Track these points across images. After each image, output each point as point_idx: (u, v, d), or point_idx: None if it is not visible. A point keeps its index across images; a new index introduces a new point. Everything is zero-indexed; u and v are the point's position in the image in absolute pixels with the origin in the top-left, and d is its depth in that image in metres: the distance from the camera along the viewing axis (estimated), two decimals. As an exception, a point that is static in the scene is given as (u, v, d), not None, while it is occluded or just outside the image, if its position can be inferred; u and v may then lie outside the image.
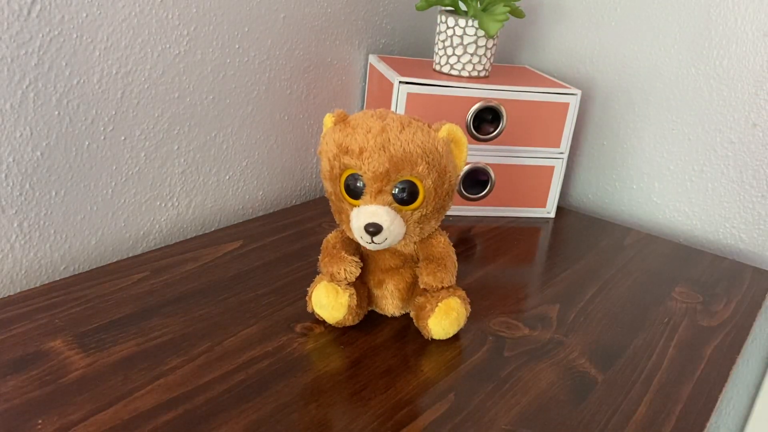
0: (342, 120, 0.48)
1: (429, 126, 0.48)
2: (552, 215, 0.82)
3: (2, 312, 0.50)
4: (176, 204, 0.69)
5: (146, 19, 0.59)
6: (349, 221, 0.48)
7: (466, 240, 0.73)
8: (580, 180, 0.91)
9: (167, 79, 0.62)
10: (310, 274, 0.61)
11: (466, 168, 0.76)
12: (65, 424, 0.40)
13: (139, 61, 0.59)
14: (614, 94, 0.85)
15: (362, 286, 0.53)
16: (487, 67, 0.76)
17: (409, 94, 0.71)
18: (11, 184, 0.54)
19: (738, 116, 0.76)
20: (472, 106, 0.73)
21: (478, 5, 0.73)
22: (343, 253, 0.50)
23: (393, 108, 0.72)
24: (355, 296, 0.50)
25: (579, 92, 0.76)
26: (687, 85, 0.79)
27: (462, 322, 0.52)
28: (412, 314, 0.54)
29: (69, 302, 0.53)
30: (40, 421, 0.40)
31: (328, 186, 0.49)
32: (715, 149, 0.79)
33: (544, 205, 0.82)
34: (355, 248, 0.52)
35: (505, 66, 0.86)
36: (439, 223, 0.51)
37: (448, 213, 0.78)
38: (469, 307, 0.52)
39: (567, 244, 0.75)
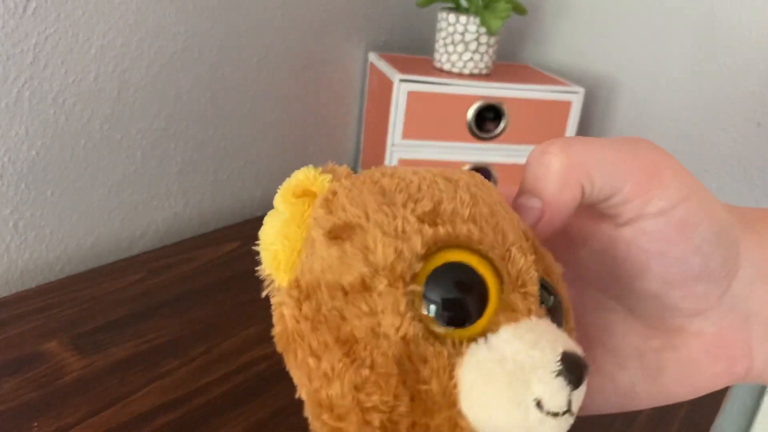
0: (350, 174, 0.22)
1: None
2: (553, 215, 0.81)
3: (-3, 313, 0.50)
4: (173, 204, 0.68)
5: (143, 17, 0.58)
6: (442, 396, 0.17)
7: (467, 240, 0.73)
8: (582, 179, 0.90)
9: (164, 78, 0.62)
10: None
11: (466, 168, 0.76)
12: (61, 426, 0.39)
13: (135, 59, 0.59)
14: (618, 92, 0.85)
15: None
16: (488, 65, 0.76)
17: (409, 93, 0.71)
18: (6, 183, 0.53)
19: (743, 115, 0.76)
20: (473, 104, 0.73)
21: (480, 2, 0.73)
22: None
23: (393, 107, 0.71)
24: None
25: (582, 90, 0.75)
26: (691, 83, 0.78)
27: None
28: None
29: (65, 303, 0.52)
30: (35, 424, 0.39)
31: (360, 311, 0.18)
32: (719, 149, 0.78)
33: (545, 205, 0.81)
34: None
35: (507, 64, 0.86)
36: None
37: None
38: None
39: (569, 244, 0.74)
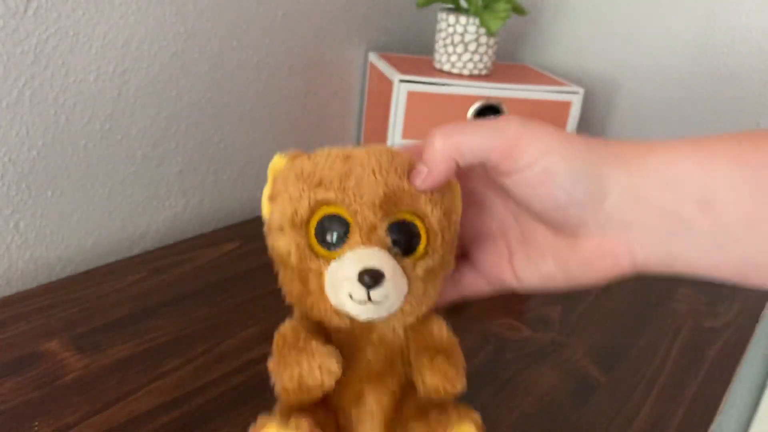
0: (296, 157, 0.33)
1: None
2: (553, 215, 0.82)
3: (-2, 313, 0.50)
4: (174, 204, 0.68)
5: (143, 17, 0.58)
6: (318, 290, 0.31)
7: (467, 240, 0.73)
8: (582, 179, 0.91)
9: (164, 78, 0.62)
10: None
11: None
12: (61, 426, 0.39)
13: (135, 60, 0.59)
14: (617, 92, 0.85)
15: (328, 417, 0.34)
16: (488, 65, 0.76)
17: (409, 93, 0.71)
18: (7, 183, 0.53)
19: (742, 116, 0.76)
20: (473, 104, 0.73)
21: (480, 2, 0.73)
22: (313, 343, 0.32)
23: (393, 107, 0.71)
24: None
25: (581, 91, 0.75)
26: (691, 84, 0.78)
27: None
28: None
29: (65, 303, 0.52)
30: (36, 423, 0.39)
31: (280, 243, 0.32)
32: (717, 148, 0.78)
33: (545, 205, 0.81)
34: (326, 339, 0.33)
35: (506, 64, 0.86)
36: (437, 297, 0.35)
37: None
38: None
39: (568, 244, 0.74)
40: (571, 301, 0.61)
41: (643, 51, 0.81)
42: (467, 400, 0.45)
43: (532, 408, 0.46)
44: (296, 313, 0.34)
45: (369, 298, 0.30)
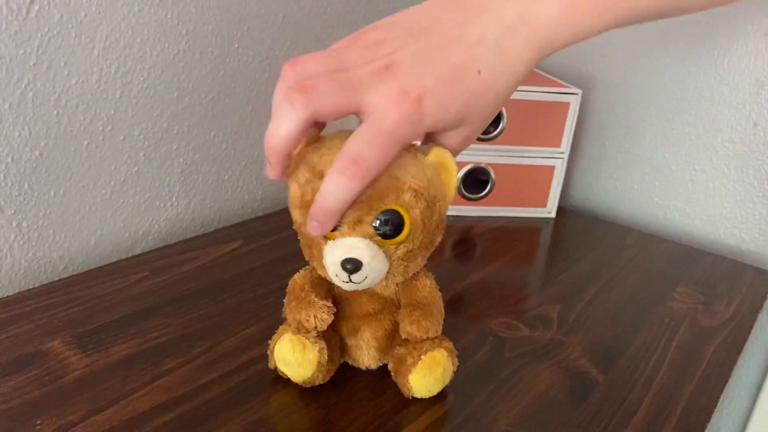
0: (314, 141, 0.41)
1: (414, 148, 0.40)
2: (552, 215, 0.82)
3: (1, 312, 0.50)
4: (175, 204, 0.68)
5: (145, 19, 0.58)
6: (321, 257, 0.39)
7: (466, 240, 0.73)
8: (581, 180, 0.91)
9: (166, 79, 0.62)
10: (310, 274, 0.61)
11: (466, 168, 0.76)
12: (64, 425, 0.40)
13: (137, 61, 0.59)
14: (615, 93, 0.85)
15: (334, 336, 0.45)
16: (487, 67, 0.76)
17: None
18: (10, 184, 0.54)
19: (739, 116, 0.76)
20: (472, 105, 0.73)
21: (479, 4, 0.73)
22: (313, 296, 0.42)
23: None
24: (326, 351, 0.43)
25: (580, 92, 0.76)
26: (688, 84, 0.79)
27: (448, 378, 0.44)
28: (390, 367, 0.46)
29: (68, 302, 0.52)
30: (38, 422, 0.40)
31: (297, 216, 0.40)
32: (716, 149, 0.79)
33: (544, 205, 0.81)
34: (327, 290, 0.44)
35: (505, 65, 0.86)
36: (425, 262, 0.42)
37: (448, 213, 0.78)
38: (456, 360, 0.45)
39: (567, 244, 0.75)
40: (570, 300, 0.61)
41: (641, 52, 0.81)
42: (466, 398, 0.46)
43: (530, 406, 0.46)
44: (310, 265, 0.44)
45: (351, 280, 0.38)
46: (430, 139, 0.40)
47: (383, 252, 0.38)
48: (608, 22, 0.39)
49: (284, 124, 0.35)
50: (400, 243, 0.38)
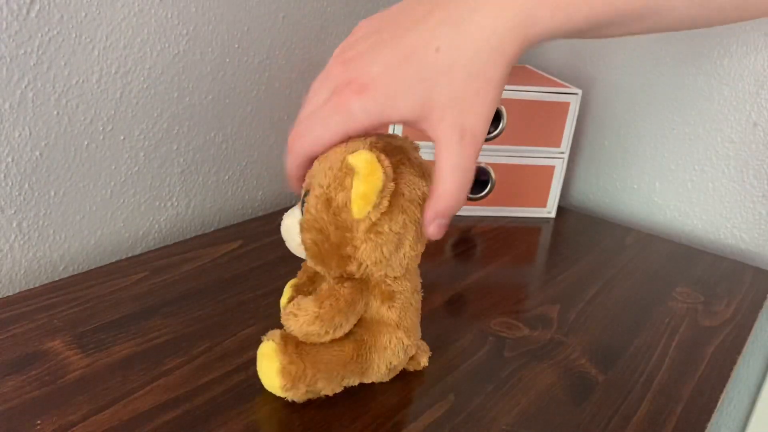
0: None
1: (367, 144, 0.39)
2: (552, 215, 0.82)
3: (1, 312, 0.50)
4: (175, 204, 0.68)
5: (145, 19, 0.59)
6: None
7: (466, 240, 0.73)
8: (581, 180, 0.91)
9: (166, 79, 0.62)
10: (310, 274, 0.61)
11: None
12: (64, 424, 0.40)
13: (138, 61, 0.59)
14: (615, 93, 0.85)
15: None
16: (487, 67, 0.76)
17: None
18: (10, 183, 0.54)
19: (739, 115, 0.76)
20: (472, 105, 0.73)
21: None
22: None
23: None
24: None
25: (580, 92, 0.76)
26: (688, 84, 0.79)
27: (274, 375, 0.41)
28: None
29: (68, 302, 0.52)
30: (38, 422, 0.40)
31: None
32: (716, 149, 0.79)
33: (544, 205, 0.81)
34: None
35: (505, 65, 0.86)
36: (340, 266, 0.41)
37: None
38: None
39: (567, 244, 0.75)
40: (570, 300, 0.61)
41: (640, 52, 0.81)
42: (466, 398, 0.46)
43: (530, 406, 0.46)
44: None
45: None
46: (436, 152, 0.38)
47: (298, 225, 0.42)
48: (597, 10, 0.35)
49: (290, 164, 0.44)
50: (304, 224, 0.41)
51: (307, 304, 0.41)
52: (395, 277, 0.42)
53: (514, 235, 0.76)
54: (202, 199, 0.71)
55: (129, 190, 0.63)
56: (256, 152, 0.74)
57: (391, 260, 0.41)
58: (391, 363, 0.44)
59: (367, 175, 0.37)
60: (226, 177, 0.72)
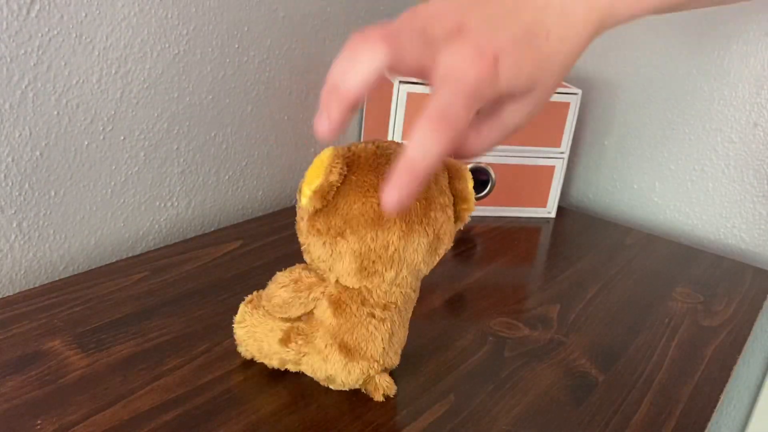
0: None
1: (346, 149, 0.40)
2: (552, 215, 0.82)
3: (1, 312, 0.50)
4: (176, 204, 0.68)
5: (145, 19, 0.59)
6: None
7: (466, 240, 0.73)
8: (581, 180, 0.91)
9: (166, 79, 0.62)
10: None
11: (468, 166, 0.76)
12: (64, 424, 0.40)
13: (138, 61, 0.59)
14: (615, 93, 0.85)
15: None
16: (487, 67, 0.76)
17: (409, 94, 0.71)
18: (10, 183, 0.54)
19: (739, 116, 0.76)
20: (472, 105, 0.73)
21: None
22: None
23: (393, 108, 0.72)
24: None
25: (579, 92, 0.76)
26: (688, 84, 0.79)
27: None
28: None
29: (68, 302, 0.52)
30: (39, 422, 0.40)
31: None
32: (715, 149, 0.79)
33: (544, 205, 0.81)
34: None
35: (505, 65, 0.86)
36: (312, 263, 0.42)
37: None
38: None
39: (567, 244, 0.75)
40: (570, 300, 0.61)
41: (640, 53, 0.81)
42: (466, 398, 0.46)
43: (530, 406, 0.46)
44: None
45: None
46: (496, 111, 0.38)
47: None
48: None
49: (364, 67, 0.30)
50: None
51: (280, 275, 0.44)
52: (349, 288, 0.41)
53: (514, 235, 0.76)
54: (202, 199, 0.71)
55: (129, 190, 0.63)
56: (256, 152, 0.74)
57: (335, 266, 0.40)
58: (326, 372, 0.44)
59: (312, 168, 0.39)
60: (226, 177, 0.72)
